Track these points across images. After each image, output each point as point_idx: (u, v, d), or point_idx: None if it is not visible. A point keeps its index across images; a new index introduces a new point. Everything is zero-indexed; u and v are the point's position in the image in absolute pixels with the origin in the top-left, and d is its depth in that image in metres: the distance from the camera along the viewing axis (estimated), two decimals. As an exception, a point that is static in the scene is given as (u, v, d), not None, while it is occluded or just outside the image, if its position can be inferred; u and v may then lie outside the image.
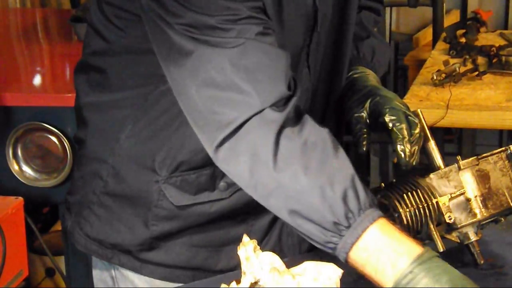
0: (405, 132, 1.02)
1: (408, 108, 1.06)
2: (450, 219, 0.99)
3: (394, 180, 1.03)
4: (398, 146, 1.02)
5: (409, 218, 0.98)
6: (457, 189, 1.01)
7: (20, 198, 1.50)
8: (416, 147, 1.02)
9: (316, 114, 1.11)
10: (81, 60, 1.16)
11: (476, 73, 2.01)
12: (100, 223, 1.16)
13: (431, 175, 1.03)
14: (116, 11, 1.05)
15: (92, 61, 1.13)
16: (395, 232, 0.90)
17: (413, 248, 0.88)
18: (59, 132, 1.80)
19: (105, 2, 1.06)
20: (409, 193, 0.99)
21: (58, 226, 2.34)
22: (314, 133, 0.94)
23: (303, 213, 0.92)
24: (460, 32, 2.36)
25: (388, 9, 3.07)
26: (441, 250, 0.98)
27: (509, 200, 1.03)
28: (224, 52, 0.92)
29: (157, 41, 0.97)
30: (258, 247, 0.97)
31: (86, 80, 1.14)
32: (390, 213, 0.99)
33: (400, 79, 3.08)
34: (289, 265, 0.97)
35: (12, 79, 2.00)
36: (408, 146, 1.02)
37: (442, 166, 1.04)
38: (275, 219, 1.14)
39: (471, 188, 1.02)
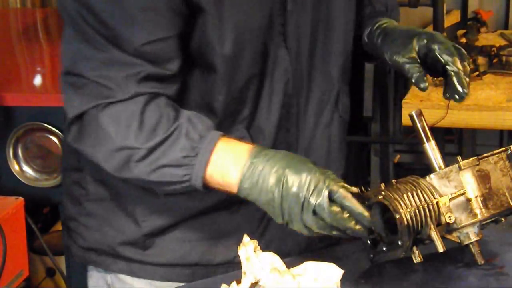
0: (459, 65, 1.06)
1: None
2: (451, 219, 0.99)
3: (394, 181, 1.03)
4: (455, 79, 1.04)
5: (409, 218, 0.98)
6: (457, 189, 1.01)
7: (21, 198, 1.50)
8: (468, 79, 1.06)
9: (315, 94, 1.10)
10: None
11: (477, 73, 2.01)
12: (90, 232, 1.16)
13: (431, 175, 1.03)
14: None
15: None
16: (234, 143, 0.99)
17: (247, 147, 0.98)
18: (59, 132, 1.80)
19: None
20: (409, 194, 0.99)
21: (58, 226, 2.34)
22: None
23: (161, 163, 0.98)
24: (460, 32, 2.37)
25: (388, 9, 3.07)
26: (441, 250, 0.98)
27: (510, 200, 1.03)
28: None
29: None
30: (259, 247, 0.97)
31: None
32: (391, 214, 0.99)
33: (400, 79, 3.08)
34: (289, 265, 0.97)
35: (12, 79, 2.00)
36: (466, 78, 1.04)
37: (443, 166, 1.04)
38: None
39: (472, 188, 1.02)
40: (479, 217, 1.01)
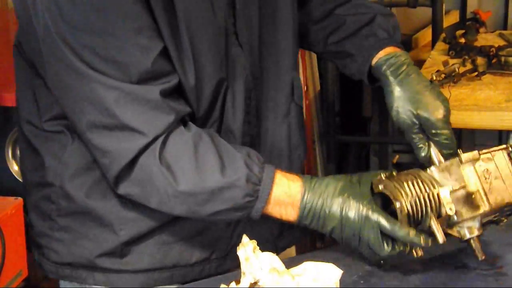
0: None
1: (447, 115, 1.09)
2: (452, 210, 0.99)
3: (395, 172, 1.03)
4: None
5: (409, 207, 0.98)
6: (458, 182, 1.01)
7: (20, 199, 1.49)
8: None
9: (270, 85, 1.13)
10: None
11: (476, 73, 2.00)
12: (65, 246, 1.15)
13: (432, 168, 1.03)
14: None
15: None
16: (287, 179, 1.03)
17: (299, 184, 1.03)
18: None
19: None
20: (409, 183, 0.99)
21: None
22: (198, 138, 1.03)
23: (222, 207, 1.02)
24: (459, 32, 2.36)
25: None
26: (441, 241, 0.98)
27: (511, 196, 1.03)
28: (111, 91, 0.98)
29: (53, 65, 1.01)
30: (258, 247, 0.97)
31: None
32: (391, 203, 0.99)
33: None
34: (288, 265, 0.97)
35: (11, 79, 1.99)
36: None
37: (443, 161, 1.04)
38: None
39: (473, 182, 1.01)
40: (481, 211, 1.01)
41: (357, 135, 2.92)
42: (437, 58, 2.18)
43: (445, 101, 1.10)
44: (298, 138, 1.21)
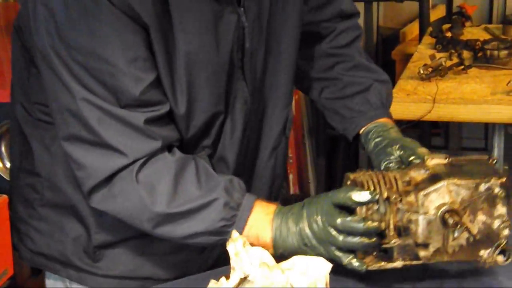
0: None
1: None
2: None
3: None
4: None
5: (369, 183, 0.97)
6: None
7: (4, 196, 1.48)
8: None
9: (268, 120, 1.13)
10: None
11: (462, 67, 2.02)
12: (42, 237, 1.15)
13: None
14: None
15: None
16: (265, 208, 1.02)
17: (271, 210, 1.02)
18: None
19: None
20: (374, 177, 0.97)
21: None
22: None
23: (197, 230, 1.00)
24: (445, 26, 2.38)
25: (375, 4, 3.08)
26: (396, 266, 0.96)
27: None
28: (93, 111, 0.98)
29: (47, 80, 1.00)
30: (248, 242, 0.97)
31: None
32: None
33: (387, 73, 3.10)
34: (278, 260, 0.98)
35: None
36: None
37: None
38: None
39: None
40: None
41: (345, 129, 2.93)
42: (424, 52, 2.20)
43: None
44: (281, 168, 1.22)
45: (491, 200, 0.96)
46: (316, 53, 1.25)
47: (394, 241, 0.96)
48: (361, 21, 2.27)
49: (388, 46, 3.04)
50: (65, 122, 1.00)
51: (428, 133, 2.67)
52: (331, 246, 0.97)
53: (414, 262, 0.98)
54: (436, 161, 1.00)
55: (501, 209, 0.96)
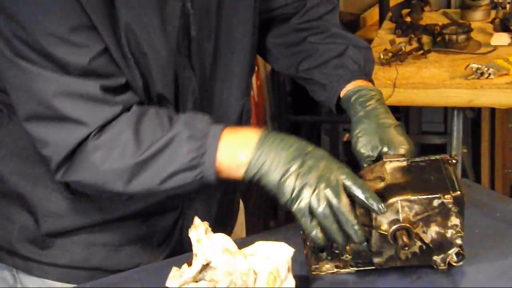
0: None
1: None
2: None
3: None
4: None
5: None
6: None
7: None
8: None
9: (219, 112, 1.11)
10: None
11: (421, 51, 2.04)
12: None
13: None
14: None
15: None
16: (239, 129, 0.99)
17: (254, 130, 0.98)
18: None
19: None
20: None
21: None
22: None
23: (170, 170, 0.97)
24: (405, 11, 2.40)
25: (335, -11, 3.08)
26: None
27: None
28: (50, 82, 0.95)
29: None
30: (210, 229, 0.97)
31: None
32: None
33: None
34: (240, 245, 0.98)
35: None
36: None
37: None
38: (178, 218, 1.14)
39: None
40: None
41: (308, 115, 2.94)
42: (384, 37, 2.21)
43: (409, 139, 1.08)
44: None
45: (444, 213, 0.97)
46: (287, 30, 1.23)
47: (348, 247, 0.98)
48: (321, 6, 2.26)
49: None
50: (21, 101, 0.98)
51: (389, 117, 2.69)
52: (322, 199, 0.93)
53: (368, 267, 1.01)
54: (395, 164, 1.01)
55: (454, 220, 0.97)
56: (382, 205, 0.94)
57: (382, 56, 1.98)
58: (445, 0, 2.93)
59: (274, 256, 0.96)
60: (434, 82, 1.90)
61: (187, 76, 1.07)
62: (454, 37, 2.07)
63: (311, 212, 0.94)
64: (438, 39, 2.10)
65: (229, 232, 1.23)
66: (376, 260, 1.00)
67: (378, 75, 1.93)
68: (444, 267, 0.99)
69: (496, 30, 2.17)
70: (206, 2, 1.05)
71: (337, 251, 1.01)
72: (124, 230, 1.12)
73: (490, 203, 1.18)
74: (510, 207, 1.17)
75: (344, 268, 1.01)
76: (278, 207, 2.70)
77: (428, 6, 2.47)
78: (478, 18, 2.31)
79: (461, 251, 0.99)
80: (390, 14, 2.42)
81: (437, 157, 1.03)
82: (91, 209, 1.10)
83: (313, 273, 1.02)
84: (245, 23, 1.11)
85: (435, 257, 0.99)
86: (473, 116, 2.62)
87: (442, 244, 0.99)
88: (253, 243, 0.98)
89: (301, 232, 1.05)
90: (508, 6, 2.30)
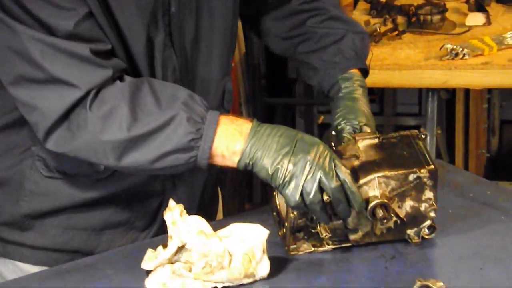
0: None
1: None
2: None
3: None
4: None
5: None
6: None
7: None
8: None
9: (201, 92, 1.09)
10: None
11: (396, 32, 2.04)
12: None
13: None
14: None
15: None
16: (235, 117, 1.00)
17: (248, 119, 1.01)
18: None
19: None
20: None
21: None
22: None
23: (165, 150, 0.97)
24: (380, -8, 2.39)
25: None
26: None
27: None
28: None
29: None
30: (185, 211, 0.96)
31: None
32: None
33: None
34: (215, 227, 0.97)
35: None
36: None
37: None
38: (161, 204, 1.14)
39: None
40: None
41: (283, 97, 2.94)
42: (359, 18, 2.21)
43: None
44: None
45: (419, 187, 0.99)
46: (286, 12, 1.23)
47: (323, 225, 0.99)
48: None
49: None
50: (8, 63, 0.95)
51: (364, 99, 2.70)
52: (313, 181, 0.95)
53: (344, 245, 1.02)
54: (367, 142, 1.03)
55: (428, 194, 1.00)
56: (363, 204, 0.97)
57: (357, 37, 1.98)
58: (420, -19, 2.93)
59: (249, 237, 0.96)
60: (409, 63, 1.90)
61: (168, 56, 1.05)
62: (429, 17, 2.07)
63: (302, 195, 0.96)
64: (413, 19, 2.10)
65: (213, 220, 1.22)
66: (352, 237, 1.01)
67: (353, 56, 1.93)
68: (418, 240, 1.02)
69: (471, 10, 2.18)
70: None
71: (313, 230, 1.01)
72: (106, 214, 1.11)
73: (464, 184, 1.20)
74: (484, 188, 1.19)
75: (321, 246, 1.02)
76: (253, 190, 2.70)
77: (403, -13, 2.47)
78: (452, -2, 2.31)
79: (433, 224, 1.02)
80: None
81: (407, 133, 1.05)
82: (69, 189, 1.08)
83: (292, 253, 1.02)
84: (226, 1, 1.10)
85: (408, 231, 1.02)
86: (448, 97, 2.64)
87: (416, 218, 1.01)
88: (228, 225, 0.98)
89: (274, 214, 1.05)
90: (482, -14, 2.31)
